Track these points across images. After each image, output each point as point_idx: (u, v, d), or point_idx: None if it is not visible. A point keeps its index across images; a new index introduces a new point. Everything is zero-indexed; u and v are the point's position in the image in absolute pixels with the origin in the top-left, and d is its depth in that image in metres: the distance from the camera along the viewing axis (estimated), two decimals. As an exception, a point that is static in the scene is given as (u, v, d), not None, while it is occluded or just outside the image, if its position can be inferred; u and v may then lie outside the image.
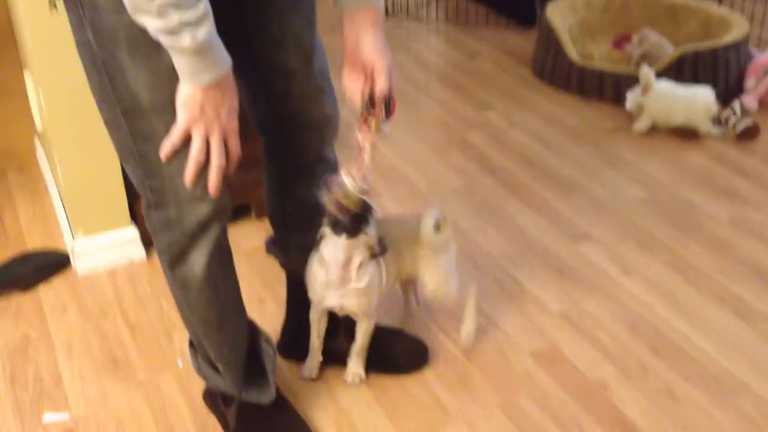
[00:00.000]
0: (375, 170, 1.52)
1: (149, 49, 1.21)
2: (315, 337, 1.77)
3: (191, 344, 1.60)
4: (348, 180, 1.47)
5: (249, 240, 2.21)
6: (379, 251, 1.61)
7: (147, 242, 2.19)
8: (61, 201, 2.28)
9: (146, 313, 2.02)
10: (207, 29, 1.17)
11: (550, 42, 3.18)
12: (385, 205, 2.47)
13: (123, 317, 2.01)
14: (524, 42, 3.56)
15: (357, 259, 1.61)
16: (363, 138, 1.48)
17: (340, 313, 1.73)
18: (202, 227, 1.37)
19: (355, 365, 1.80)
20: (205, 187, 1.32)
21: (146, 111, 1.27)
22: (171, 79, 1.23)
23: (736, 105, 2.79)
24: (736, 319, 1.95)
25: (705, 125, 2.73)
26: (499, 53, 3.51)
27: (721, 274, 2.10)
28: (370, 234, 1.57)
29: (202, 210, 1.35)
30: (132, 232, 2.19)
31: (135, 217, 2.18)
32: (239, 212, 2.31)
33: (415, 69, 3.41)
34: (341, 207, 1.49)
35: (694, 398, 1.74)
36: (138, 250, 2.20)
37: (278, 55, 1.46)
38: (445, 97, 3.17)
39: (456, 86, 3.25)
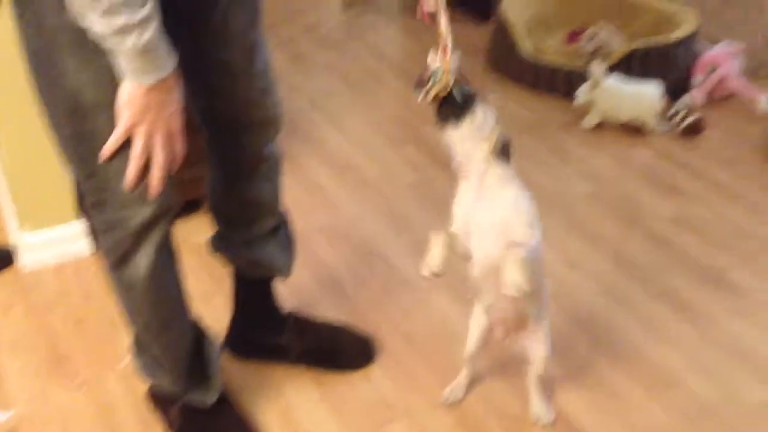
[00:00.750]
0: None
1: (91, 47, 1.20)
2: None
3: (135, 344, 1.61)
4: (434, 63, 1.41)
5: (198, 235, 2.18)
6: (501, 144, 1.46)
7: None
8: (8, 195, 2.25)
9: (92, 310, 2.02)
10: (153, 30, 1.16)
11: (504, 36, 3.20)
12: (337, 197, 2.49)
13: (69, 314, 2.01)
14: (480, 35, 3.58)
15: (481, 148, 1.45)
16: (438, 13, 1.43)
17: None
18: (146, 228, 1.37)
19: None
20: (147, 188, 1.32)
21: (88, 111, 1.26)
22: (113, 78, 1.22)
23: (684, 101, 2.85)
24: (675, 313, 2.00)
25: (651, 121, 2.78)
26: (455, 46, 3.52)
27: (661, 269, 2.15)
28: (479, 115, 1.44)
29: (146, 211, 1.34)
30: (79, 227, 2.18)
31: (83, 210, 2.17)
32: (189, 207, 2.31)
33: (372, 60, 3.42)
34: (437, 96, 1.42)
35: (631, 392, 1.78)
36: (85, 245, 2.19)
37: (220, 50, 1.45)
38: (402, 89, 3.18)
39: (413, 78, 3.25)
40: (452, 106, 1.43)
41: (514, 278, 1.41)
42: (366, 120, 2.94)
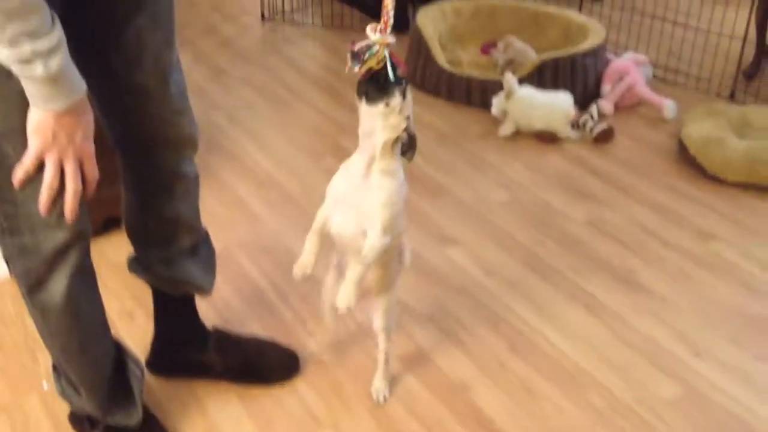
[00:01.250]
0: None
1: None
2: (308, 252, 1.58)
3: (54, 367, 1.59)
4: (372, 34, 1.40)
5: (118, 253, 2.18)
6: (406, 140, 1.48)
7: (11, 259, 2.14)
8: None
9: (9, 334, 1.98)
10: (60, 58, 1.14)
11: (420, 48, 3.27)
12: (258, 211, 2.50)
13: (-15, 338, 1.97)
14: (397, 47, 3.62)
15: (381, 137, 1.46)
16: None
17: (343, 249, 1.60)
18: (60, 253, 1.35)
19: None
20: (61, 213, 1.30)
21: None
22: (22, 105, 1.20)
23: (593, 109, 2.96)
24: (588, 315, 2.08)
25: (564, 129, 2.88)
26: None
27: (574, 273, 2.23)
28: (397, 101, 1.44)
29: (59, 236, 1.33)
30: (-6, 250, 2.13)
31: (-3, 233, 2.13)
32: (108, 225, 2.29)
33: (290, 73, 3.44)
34: (368, 70, 1.41)
35: (547, 393, 1.85)
36: (2, 269, 2.14)
37: (135, 73, 1.45)
38: (320, 101, 3.21)
39: (330, 91, 3.30)
40: (376, 82, 1.43)
41: (344, 297, 1.53)
42: (285, 133, 2.95)
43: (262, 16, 4.01)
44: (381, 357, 1.81)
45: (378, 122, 1.47)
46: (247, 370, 1.84)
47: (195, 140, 1.59)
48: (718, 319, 2.08)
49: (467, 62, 3.34)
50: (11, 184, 1.27)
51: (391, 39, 1.41)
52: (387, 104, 1.44)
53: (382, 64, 1.42)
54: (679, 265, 2.28)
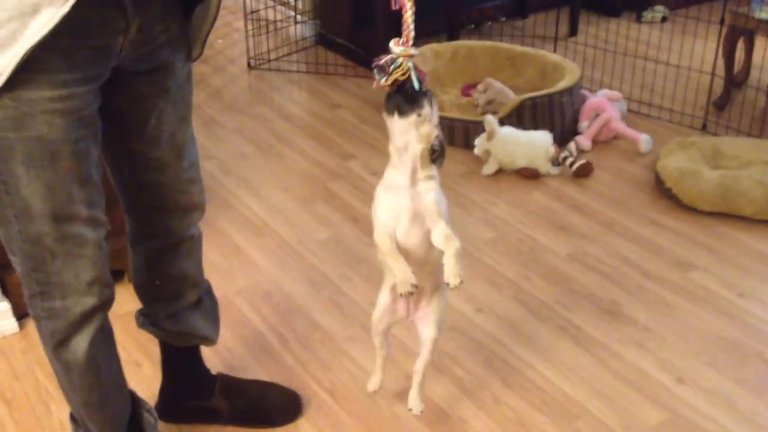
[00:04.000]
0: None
1: (43, 162, 1.30)
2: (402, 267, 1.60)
3: (73, 418, 1.66)
4: (396, 47, 1.47)
5: (123, 305, 2.24)
6: (438, 147, 1.56)
7: (19, 315, 2.22)
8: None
9: (22, 387, 2.05)
10: None
11: (403, 92, 3.38)
12: (255, 258, 2.59)
13: (-2, 393, 2.04)
14: (381, 92, 3.75)
15: (418, 147, 1.55)
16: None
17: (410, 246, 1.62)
18: (87, 317, 1.46)
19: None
20: (91, 281, 1.42)
21: (37, 217, 1.35)
22: (60, 191, 1.33)
23: (572, 145, 3.08)
24: (575, 347, 2.18)
25: (544, 166, 3.00)
26: (358, 103, 3.70)
27: (561, 306, 2.34)
28: (426, 111, 1.52)
29: (89, 302, 1.44)
30: (3, 305, 2.21)
31: (5, 290, 2.21)
32: (113, 276, 2.36)
33: (278, 121, 3.55)
34: (394, 82, 1.48)
35: (540, 424, 1.94)
36: (10, 324, 2.22)
37: (153, 150, 1.54)
38: (309, 148, 3.32)
39: (319, 137, 3.41)
40: (405, 95, 1.51)
41: (453, 274, 1.56)
42: (277, 181, 3.05)
43: (248, 64, 4.13)
44: (421, 369, 1.82)
45: (412, 133, 1.54)
46: (252, 413, 1.92)
47: (203, 206, 1.69)
48: (699, 346, 2.19)
49: (449, 104, 3.46)
50: (46, 256, 1.37)
51: (413, 51, 1.49)
52: (419, 114, 1.52)
53: (406, 76, 1.49)
54: (660, 295, 2.39)
